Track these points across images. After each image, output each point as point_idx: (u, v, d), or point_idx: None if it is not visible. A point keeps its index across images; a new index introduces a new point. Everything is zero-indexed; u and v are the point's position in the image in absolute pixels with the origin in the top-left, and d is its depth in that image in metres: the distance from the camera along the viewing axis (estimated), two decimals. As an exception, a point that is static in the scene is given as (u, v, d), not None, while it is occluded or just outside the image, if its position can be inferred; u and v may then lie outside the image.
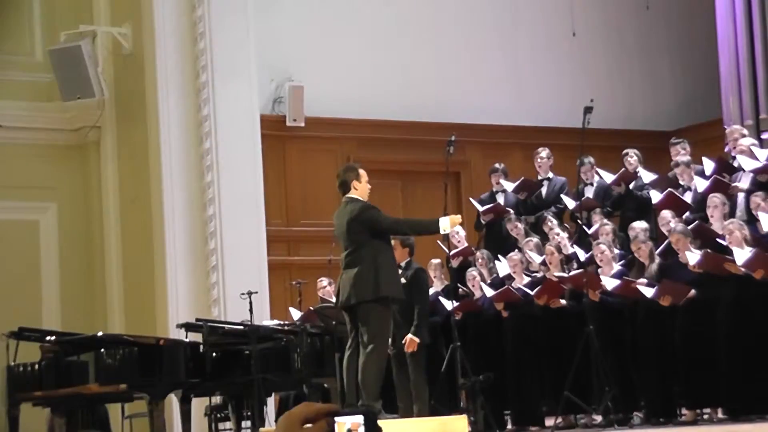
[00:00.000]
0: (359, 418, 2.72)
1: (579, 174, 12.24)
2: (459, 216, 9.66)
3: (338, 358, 9.98)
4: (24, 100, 14.03)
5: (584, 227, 11.74)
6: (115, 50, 13.98)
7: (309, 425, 2.70)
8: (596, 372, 9.74)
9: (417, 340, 10.37)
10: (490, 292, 11.37)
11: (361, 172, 9.43)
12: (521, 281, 11.28)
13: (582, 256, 10.94)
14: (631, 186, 12.29)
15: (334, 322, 10.45)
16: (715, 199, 10.43)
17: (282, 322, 11.65)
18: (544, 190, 12.96)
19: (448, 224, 9.26)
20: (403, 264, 10.58)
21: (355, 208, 9.26)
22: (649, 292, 9.89)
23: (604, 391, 9.69)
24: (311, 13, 15.10)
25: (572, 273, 10.57)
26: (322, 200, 14.20)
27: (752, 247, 9.51)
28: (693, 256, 9.74)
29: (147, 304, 13.39)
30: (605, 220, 11.60)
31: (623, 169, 12.31)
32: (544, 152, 13.09)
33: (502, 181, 13.16)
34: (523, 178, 13.11)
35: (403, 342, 10.39)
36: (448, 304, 11.32)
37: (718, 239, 10.08)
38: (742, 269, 9.41)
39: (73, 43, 13.65)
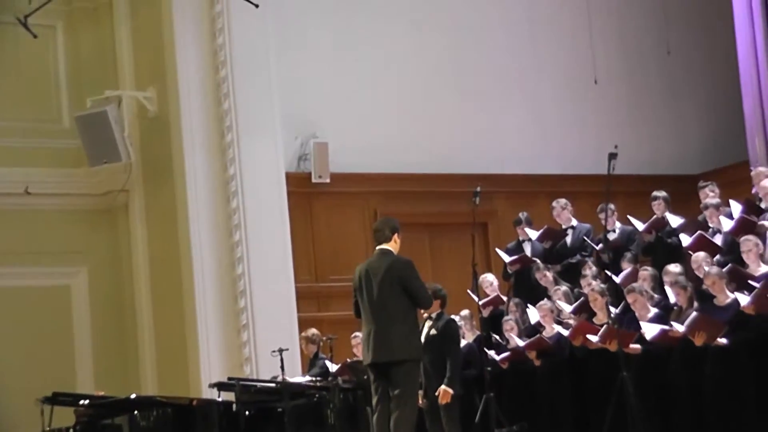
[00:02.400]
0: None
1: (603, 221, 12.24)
2: None
3: (371, 413, 9.95)
4: (51, 166, 14.14)
5: (612, 276, 11.67)
6: (141, 114, 14.11)
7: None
8: (631, 418, 9.67)
9: (451, 391, 10.34)
10: (521, 342, 11.35)
11: (400, 229, 9.51)
12: (551, 330, 11.25)
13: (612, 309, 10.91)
14: (660, 233, 12.26)
15: (366, 377, 10.42)
16: (749, 242, 10.39)
17: (314, 378, 11.64)
18: (569, 239, 12.97)
19: None
20: (434, 315, 10.58)
21: (398, 261, 9.28)
22: (682, 328, 9.83)
23: (640, 437, 9.63)
24: (334, 70, 15.19)
25: (601, 332, 10.49)
26: (350, 255, 14.20)
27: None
28: (742, 298, 9.67)
29: (179, 364, 13.41)
30: (644, 267, 11.50)
31: (654, 216, 12.28)
32: (557, 204, 13.14)
33: (527, 230, 13.18)
34: (546, 226, 13.12)
35: (436, 394, 10.36)
36: (491, 354, 11.33)
37: (751, 282, 10.04)
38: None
39: (99, 109, 13.77)
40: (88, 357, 14.02)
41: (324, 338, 12.32)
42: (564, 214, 13.09)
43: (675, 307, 10.39)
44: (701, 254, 10.75)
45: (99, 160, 13.83)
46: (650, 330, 10.14)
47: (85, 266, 14.24)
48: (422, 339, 10.35)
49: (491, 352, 11.51)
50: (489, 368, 11.05)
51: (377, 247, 9.41)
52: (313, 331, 12.50)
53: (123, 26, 14.33)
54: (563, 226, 13.09)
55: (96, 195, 14.36)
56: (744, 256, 10.44)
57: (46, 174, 14.06)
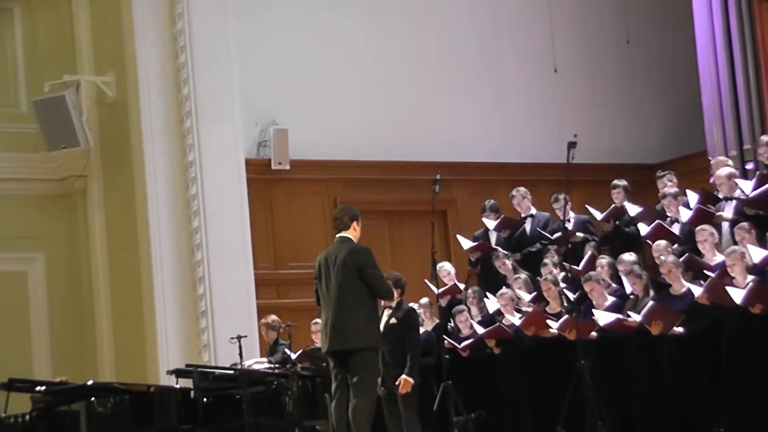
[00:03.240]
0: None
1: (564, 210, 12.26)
2: None
3: (330, 400, 9.96)
4: (9, 151, 14.03)
5: (572, 266, 11.71)
6: (99, 99, 14.01)
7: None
8: (588, 406, 9.72)
9: (411, 381, 10.35)
10: (480, 330, 11.37)
11: (360, 217, 9.50)
12: (512, 318, 11.28)
13: (570, 294, 10.94)
14: (617, 222, 12.31)
15: (324, 364, 10.42)
16: (704, 231, 10.47)
17: (273, 366, 11.63)
18: (528, 227, 13.00)
19: None
20: (394, 304, 10.58)
21: (356, 248, 9.28)
22: (638, 317, 9.90)
23: (596, 426, 9.67)
24: (294, 56, 15.14)
25: (561, 321, 10.56)
26: (309, 242, 14.20)
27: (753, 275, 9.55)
28: (696, 288, 9.74)
29: (137, 351, 13.36)
30: (602, 256, 11.55)
31: (613, 205, 12.33)
32: (517, 192, 13.16)
33: (485, 220, 13.17)
34: (503, 216, 13.14)
35: (396, 383, 10.36)
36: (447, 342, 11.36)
37: (706, 271, 10.10)
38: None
39: (57, 93, 13.67)
40: (45, 343, 13.94)
41: (283, 325, 12.31)
42: (524, 202, 13.13)
43: (631, 296, 10.45)
44: (662, 243, 10.81)
45: (57, 145, 13.73)
46: (604, 318, 10.20)
47: (42, 252, 14.15)
48: (382, 327, 10.38)
49: (450, 341, 11.53)
50: (447, 356, 11.08)
51: (337, 235, 9.41)
52: (273, 317, 12.47)
53: (81, 10, 14.24)
54: (522, 215, 13.12)
55: (54, 180, 14.26)
56: (700, 246, 10.52)
57: (3, 158, 13.96)
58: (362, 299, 9.19)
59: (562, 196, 12.48)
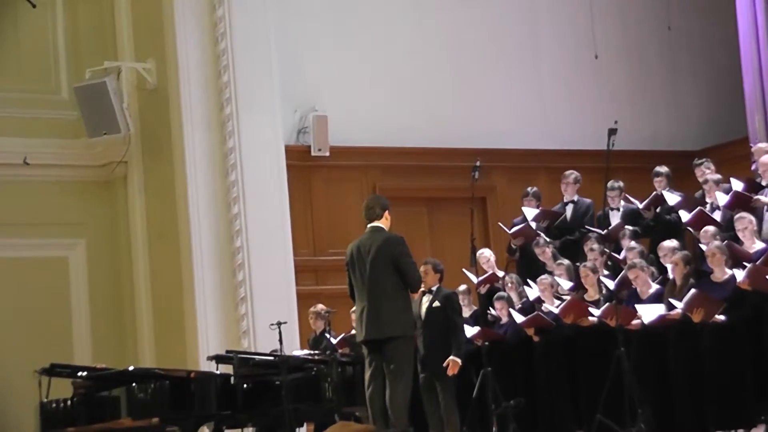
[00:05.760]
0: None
1: (605, 198, 12.18)
2: None
3: (366, 387, 9.97)
4: (50, 137, 14.10)
5: (613, 254, 11.64)
6: (140, 85, 14.06)
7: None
8: (628, 394, 9.68)
9: (459, 361, 10.36)
10: (519, 318, 11.33)
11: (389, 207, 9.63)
12: (552, 304, 11.24)
13: (610, 283, 10.88)
14: (658, 210, 12.24)
15: (364, 351, 10.44)
16: (744, 219, 10.40)
17: (312, 352, 11.66)
18: (568, 213, 12.92)
19: None
20: (433, 289, 10.61)
21: (391, 238, 9.38)
22: (680, 305, 9.85)
23: (636, 414, 9.64)
24: (333, 43, 15.14)
25: (602, 308, 10.53)
26: (348, 229, 14.15)
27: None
28: (739, 273, 9.68)
29: (177, 337, 13.42)
30: (633, 243, 11.51)
31: (654, 193, 12.26)
32: (572, 176, 13.07)
33: (524, 209, 13.08)
34: (542, 208, 13.05)
35: (445, 365, 10.36)
36: (470, 331, 11.31)
37: (745, 262, 10.03)
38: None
39: (98, 80, 13.73)
40: (85, 329, 14.02)
41: (323, 311, 12.33)
42: (572, 188, 13.02)
43: (669, 280, 10.42)
44: (711, 229, 10.73)
45: (98, 131, 13.79)
46: (648, 314, 10.15)
47: (83, 238, 14.23)
48: (423, 311, 10.42)
49: (474, 329, 11.48)
50: (486, 343, 11.07)
51: (368, 225, 9.51)
52: (322, 306, 12.47)
53: (122, -4, 14.30)
54: (565, 199, 13.04)
55: (95, 166, 14.33)
56: (740, 234, 10.45)
57: (44, 145, 14.02)
58: (397, 288, 9.33)
59: (617, 184, 12.45)
